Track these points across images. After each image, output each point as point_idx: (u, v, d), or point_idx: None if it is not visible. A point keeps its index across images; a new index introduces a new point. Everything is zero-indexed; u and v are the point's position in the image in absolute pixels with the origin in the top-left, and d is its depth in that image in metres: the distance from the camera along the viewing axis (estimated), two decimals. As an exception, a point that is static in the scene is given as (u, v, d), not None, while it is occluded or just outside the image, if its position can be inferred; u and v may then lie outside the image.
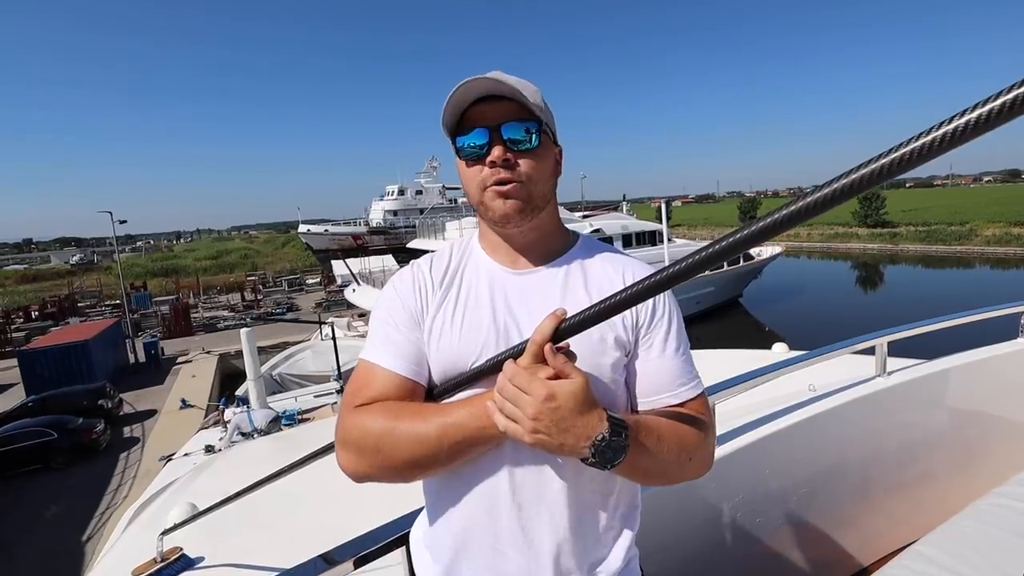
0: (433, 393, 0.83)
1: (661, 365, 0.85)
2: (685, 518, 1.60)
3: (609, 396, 0.82)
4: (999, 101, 0.39)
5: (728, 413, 1.82)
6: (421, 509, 0.98)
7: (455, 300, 0.86)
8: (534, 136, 0.81)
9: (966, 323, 2.35)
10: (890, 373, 2.13)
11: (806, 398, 1.94)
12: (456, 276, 0.89)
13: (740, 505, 1.70)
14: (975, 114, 0.40)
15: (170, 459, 7.37)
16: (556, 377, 0.68)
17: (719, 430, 1.71)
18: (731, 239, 0.54)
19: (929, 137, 0.42)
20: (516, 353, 0.72)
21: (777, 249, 26.96)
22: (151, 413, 15.98)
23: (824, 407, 1.89)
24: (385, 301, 0.89)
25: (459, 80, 0.79)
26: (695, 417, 0.84)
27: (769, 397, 1.94)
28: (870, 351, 2.13)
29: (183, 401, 15.93)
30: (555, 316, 0.69)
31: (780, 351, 3.53)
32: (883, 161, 0.44)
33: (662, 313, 0.86)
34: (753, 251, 25.87)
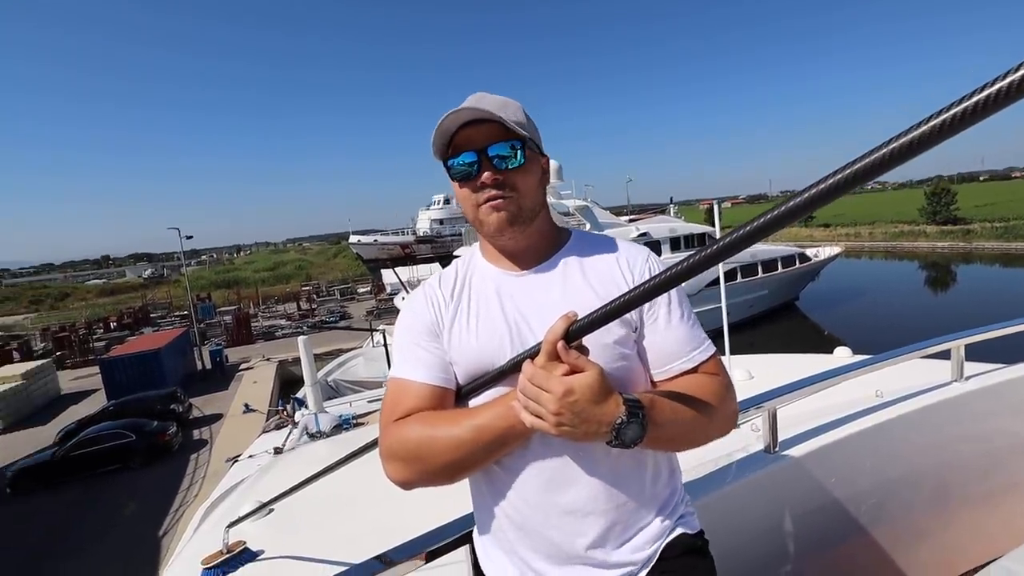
0: (460, 394, 0.90)
1: (668, 335, 0.90)
2: (749, 526, 1.57)
3: (624, 375, 0.88)
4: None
5: (791, 419, 1.78)
6: None
7: (468, 307, 0.93)
8: (519, 153, 0.88)
9: None
10: (968, 378, 2.02)
11: (873, 404, 1.88)
12: (464, 287, 0.96)
13: (803, 515, 1.66)
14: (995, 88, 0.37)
15: (236, 460, 7.74)
16: (571, 372, 0.74)
17: (781, 436, 1.69)
18: (734, 235, 0.55)
19: (940, 118, 0.40)
20: (533, 353, 0.77)
21: (836, 250, 25.74)
22: (217, 417, 16.82)
23: (894, 413, 1.82)
24: (404, 321, 0.96)
25: (470, 95, 0.89)
26: (709, 380, 0.89)
27: (833, 403, 1.88)
28: (943, 355, 2.03)
29: (246, 406, 16.66)
30: (566, 318, 0.75)
31: (843, 355, 3.38)
32: (892, 146, 0.43)
33: None
34: (810, 252, 24.78)
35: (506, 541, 0.92)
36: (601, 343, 0.85)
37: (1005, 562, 1.44)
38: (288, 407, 9.43)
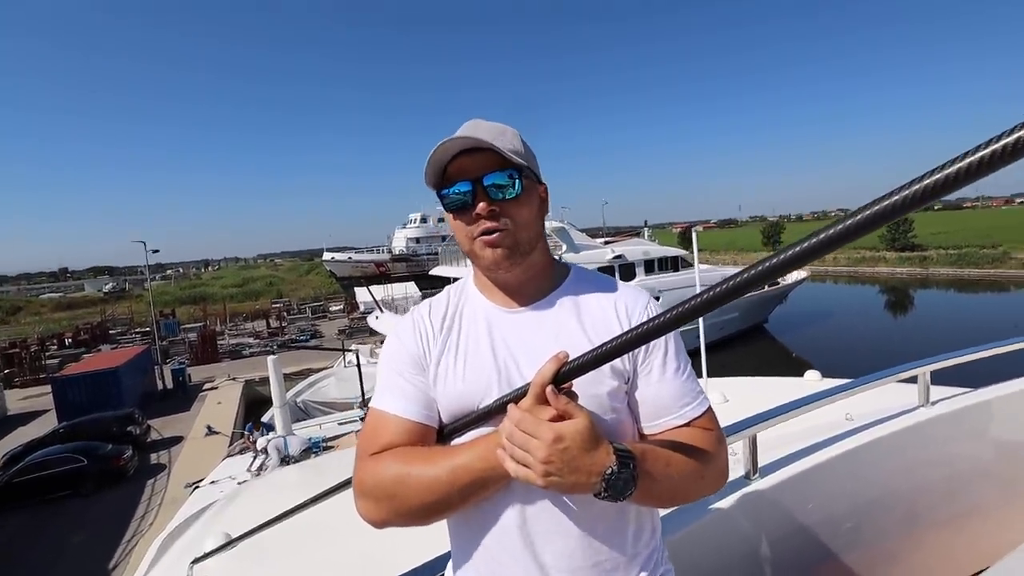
0: (443, 433, 0.86)
1: (662, 389, 0.86)
2: (725, 554, 1.56)
3: (612, 426, 0.84)
4: None
5: (765, 443, 1.80)
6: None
7: (456, 344, 0.89)
8: (517, 182, 0.84)
9: (1014, 350, 2.28)
10: (934, 403, 2.07)
11: (844, 428, 1.90)
12: (455, 320, 0.92)
13: (782, 539, 1.66)
14: (1008, 140, 0.38)
15: (197, 486, 7.42)
16: (560, 418, 0.70)
17: (760, 462, 1.69)
18: (745, 275, 0.53)
19: (964, 162, 0.40)
20: (520, 395, 0.74)
21: (803, 274, 26.49)
22: (177, 440, 16.14)
23: (867, 438, 1.85)
24: (390, 350, 0.92)
25: (467, 117, 0.85)
26: (703, 434, 0.86)
27: (806, 427, 1.90)
28: (910, 380, 2.08)
29: (208, 428, 16.07)
30: (556, 359, 0.71)
31: (813, 378, 3.46)
32: (916, 187, 0.43)
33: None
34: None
35: None
36: (591, 393, 0.81)
37: None
38: (252, 434, 9.13)
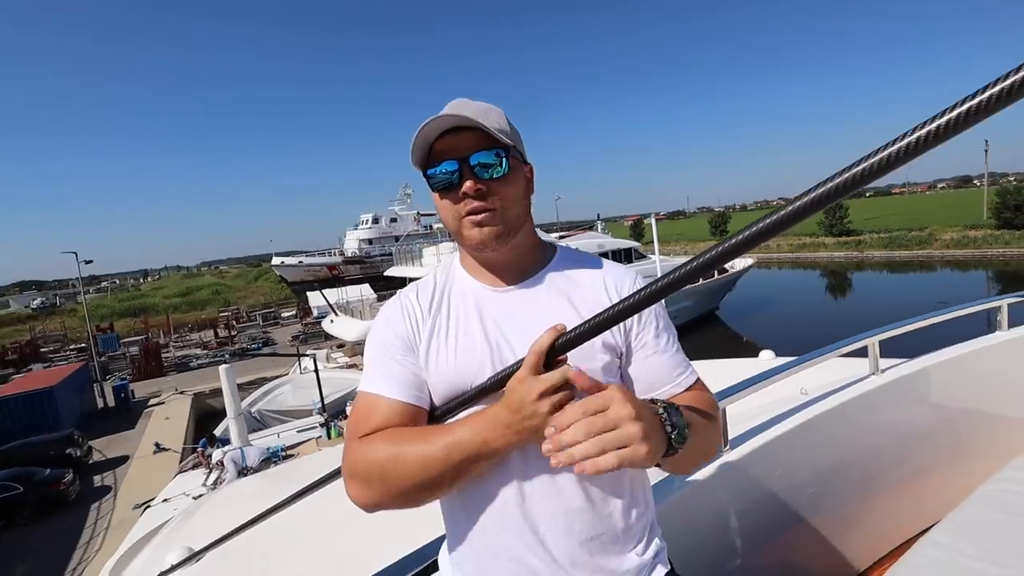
0: (435, 415, 0.85)
1: (657, 361, 0.89)
2: (704, 523, 1.61)
3: None
4: (964, 106, 0.41)
5: (730, 419, 1.86)
6: (443, 536, 0.98)
7: (446, 324, 0.88)
8: (504, 161, 0.83)
9: (951, 319, 2.44)
10: (883, 371, 2.19)
11: (801, 401, 1.99)
12: (443, 301, 0.91)
13: (753, 507, 1.73)
14: (938, 123, 0.42)
15: (147, 506, 7.07)
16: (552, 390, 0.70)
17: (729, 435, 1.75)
18: (714, 251, 0.57)
19: (895, 147, 0.44)
20: (515, 370, 0.73)
21: (749, 261, 27.58)
22: (123, 460, 15.34)
23: (822, 408, 1.93)
24: (378, 332, 0.90)
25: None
26: (703, 396, 0.90)
27: (764, 403, 1.97)
28: (860, 352, 2.19)
29: (157, 445, 15.36)
30: (554, 330, 0.71)
31: (767, 358, 3.60)
32: (854, 171, 0.47)
33: (648, 312, 0.90)
34: (727, 264, 26.40)
35: (480, 569, 0.86)
36: (584, 368, 0.80)
37: (934, 535, 1.59)
38: (206, 449, 8.78)
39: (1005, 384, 2.48)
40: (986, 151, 48.97)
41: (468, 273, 0.93)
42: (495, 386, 0.77)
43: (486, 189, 0.83)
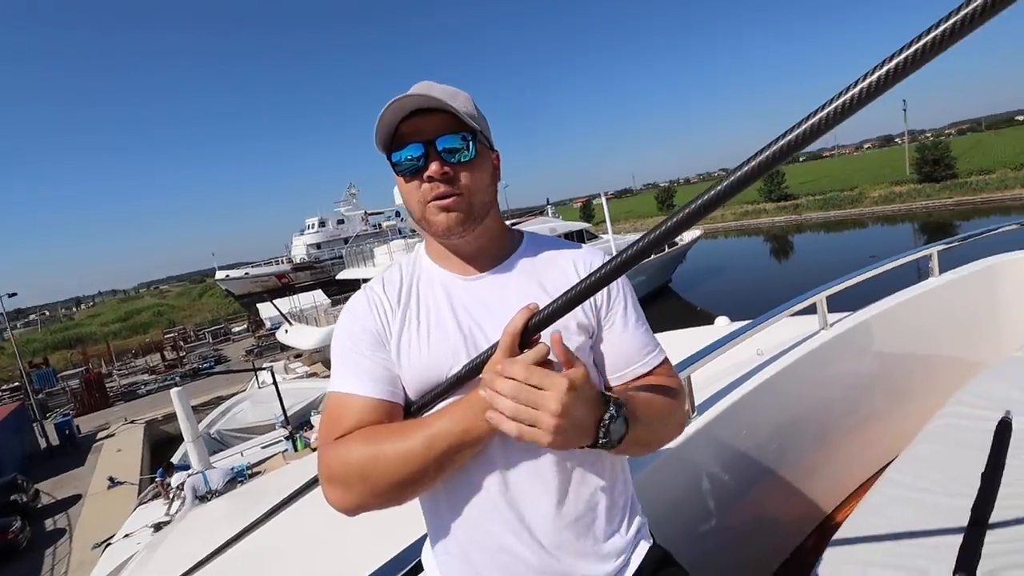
0: (411, 410, 0.82)
1: (624, 339, 0.89)
2: (677, 491, 1.66)
3: None
4: (884, 68, 0.43)
5: (694, 386, 1.91)
6: (425, 536, 0.96)
7: (416, 316, 0.86)
8: (471, 145, 0.82)
9: (891, 268, 2.58)
10: (832, 325, 2.29)
11: (758, 362, 2.06)
12: (412, 292, 0.88)
13: (723, 469, 1.80)
14: (864, 84, 0.44)
15: (108, 544, 6.72)
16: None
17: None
18: (667, 224, 0.58)
19: (825, 111, 0.47)
20: (490, 356, 0.72)
21: (697, 232, 28.41)
22: (75, 499, 14.58)
23: (779, 367, 2.01)
24: (344, 328, 0.87)
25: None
26: (667, 379, 0.90)
27: (724, 367, 2.04)
28: (809, 310, 2.29)
29: (111, 479, 14.63)
30: (527, 309, 0.70)
31: (723, 324, 3.73)
32: (788, 137, 0.49)
33: (617, 291, 0.91)
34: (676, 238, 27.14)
35: (459, 565, 0.85)
36: None
37: (890, 474, 1.70)
38: (164, 478, 8.40)
39: (940, 327, 2.65)
40: (904, 110, 51.85)
41: (435, 262, 0.91)
42: (471, 373, 0.75)
43: (452, 173, 0.81)
